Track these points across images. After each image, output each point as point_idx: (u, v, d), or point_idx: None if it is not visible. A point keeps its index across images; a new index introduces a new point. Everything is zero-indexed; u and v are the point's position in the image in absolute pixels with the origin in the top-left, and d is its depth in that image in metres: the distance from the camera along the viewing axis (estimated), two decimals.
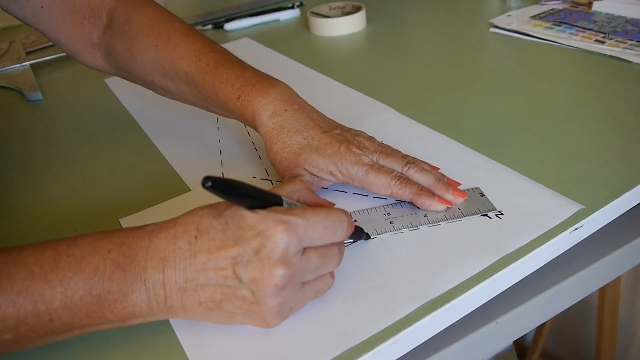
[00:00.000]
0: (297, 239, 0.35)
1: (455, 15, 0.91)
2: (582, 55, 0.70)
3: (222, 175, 0.55)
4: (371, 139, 0.50)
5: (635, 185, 0.46)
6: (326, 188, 0.50)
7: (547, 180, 0.48)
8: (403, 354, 0.37)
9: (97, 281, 0.34)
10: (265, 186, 0.53)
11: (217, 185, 0.33)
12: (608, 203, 0.44)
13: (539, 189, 0.47)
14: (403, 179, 0.46)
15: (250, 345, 0.37)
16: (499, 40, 0.78)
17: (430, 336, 0.38)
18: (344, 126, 0.51)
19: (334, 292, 0.40)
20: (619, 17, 0.78)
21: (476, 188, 0.48)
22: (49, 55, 0.94)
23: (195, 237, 0.35)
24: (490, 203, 0.46)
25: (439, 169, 0.50)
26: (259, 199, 0.36)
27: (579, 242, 0.44)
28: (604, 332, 1.01)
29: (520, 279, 0.42)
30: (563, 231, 0.42)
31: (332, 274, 0.39)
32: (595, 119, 0.56)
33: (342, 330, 0.37)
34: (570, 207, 0.44)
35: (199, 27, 1.01)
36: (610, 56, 0.68)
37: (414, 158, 0.49)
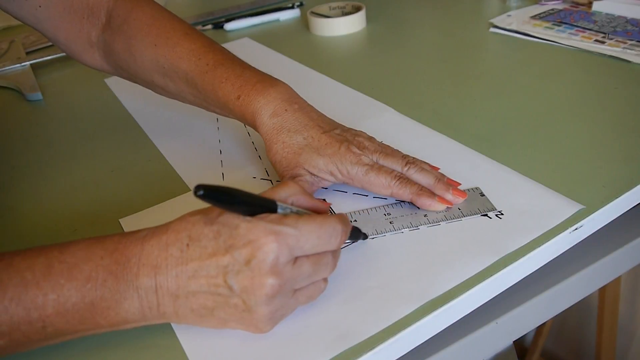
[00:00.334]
0: (288, 249, 0.34)
1: (455, 15, 0.91)
2: (582, 55, 0.70)
3: (221, 176, 0.55)
4: (371, 139, 0.50)
5: (635, 185, 0.46)
6: (326, 188, 0.50)
7: (547, 180, 0.48)
8: (403, 354, 0.37)
9: (89, 288, 0.34)
10: (266, 186, 0.53)
11: (209, 194, 0.33)
12: (608, 203, 0.44)
13: (538, 189, 0.47)
14: (403, 179, 0.46)
15: (250, 346, 0.37)
16: (499, 40, 0.78)
17: (430, 336, 0.38)
18: (344, 126, 0.51)
19: (334, 292, 0.40)
20: (619, 17, 0.78)
21: (476, 188, 0.48)
22: (49, 55, 0.94)
23: (187, 244, 0.35)
24: (490, 203, 0.46)
25: (439, 169, 0.50)
26: (253, 205, 0.35)
27: (579, 242, 0.44)
28: (604, 332, 1.01)
29: (520, 279, 0.42)
30: (563, 231, 0.42)
31: (325, 279, 0.39)
32: (595, 119, 0.56)
33: (342, 330, 0.37)
34: (570, 207, 0.44)
35: (199, 27, 1.01)
36: (610, 56, 0.68)
37: (414, 158, 0.49)
